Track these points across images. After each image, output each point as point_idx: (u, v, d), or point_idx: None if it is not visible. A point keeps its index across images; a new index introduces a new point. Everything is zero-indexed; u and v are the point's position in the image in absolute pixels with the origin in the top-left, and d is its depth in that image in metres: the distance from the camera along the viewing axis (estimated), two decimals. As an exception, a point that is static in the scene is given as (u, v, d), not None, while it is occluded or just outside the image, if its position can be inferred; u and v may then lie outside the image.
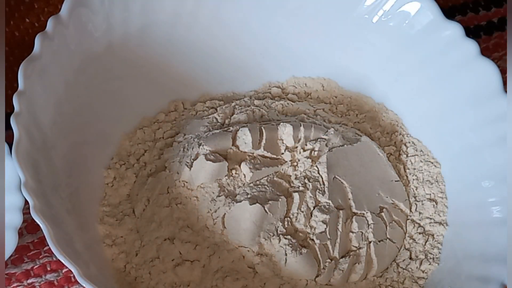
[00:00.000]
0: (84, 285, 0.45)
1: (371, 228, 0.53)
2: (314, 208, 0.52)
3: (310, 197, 0.52)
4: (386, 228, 0.53)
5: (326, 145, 0.54)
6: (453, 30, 0.55)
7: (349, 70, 0.60)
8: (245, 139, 0.53)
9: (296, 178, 0.53)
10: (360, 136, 0.56)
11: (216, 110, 0.58)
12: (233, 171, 0.53)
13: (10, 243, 0.50)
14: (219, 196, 0.52)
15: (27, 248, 0.55)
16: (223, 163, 0.52)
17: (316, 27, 0.60)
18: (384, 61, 0.59)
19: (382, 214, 0.54)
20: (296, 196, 0.52)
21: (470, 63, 0.55)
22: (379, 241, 0.53)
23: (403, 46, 0.58)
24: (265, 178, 0.53)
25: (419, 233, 0.54)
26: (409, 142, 0.58)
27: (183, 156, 0.54)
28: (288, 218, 0.52)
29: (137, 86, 0.58)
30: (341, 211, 0.52)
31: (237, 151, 0.53)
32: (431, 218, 0.54)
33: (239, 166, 0.53)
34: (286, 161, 0.54)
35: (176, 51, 0.60)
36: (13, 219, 0.50)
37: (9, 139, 0.49)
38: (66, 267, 0.48)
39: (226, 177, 0.52)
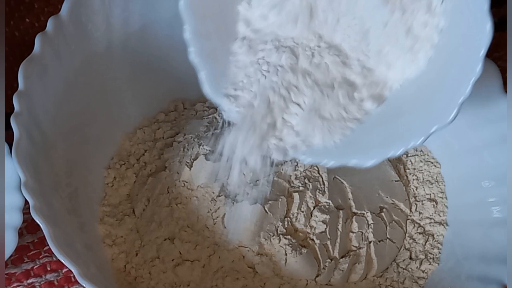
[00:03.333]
0: (84, 285, 0.45)
1: (371, 228, 0.53)
2: (314, 208, 0.52)
3: (310, 197, 0.52)
4: (386, 228, 0.53)
5: (326, 145, 0.54)
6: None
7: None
8: (245, 139, 0.53)
9: (296, 178, 0.53)
10: (360, 136, 0.56)
11: (216, 110, 0.58)
12: (233, 171, 0.53)
13: (10, 243, 0.50)
14: (219, 196, 0.52)
15: (27, 248, 0.55)
16: (223, 163, 0.52)
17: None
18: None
19: (382, 214, 0.54)
20: (296, 196, 0.52)
21: (470, 63, 0.55)
22: (379, 241, 0.53)
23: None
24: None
25: (419, 233, 0.54)
26: (409, 142, 0.58)
27: (183, 156, 0.54)
28: (288, 218, 0.52)
29: (137, 86, 0.58)
30: (341, 211, 0.52)
31: (237, 151, 0.53)
32: (431, 218, 0.54)
33: (239, 166, 0.53)
34: (286, 161, 0.54)
35: (176, 50, 0.59)
36: (13, 219, 0.50)
37: (9, 139, 0.49)
38: (66, 267, 0.48)
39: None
